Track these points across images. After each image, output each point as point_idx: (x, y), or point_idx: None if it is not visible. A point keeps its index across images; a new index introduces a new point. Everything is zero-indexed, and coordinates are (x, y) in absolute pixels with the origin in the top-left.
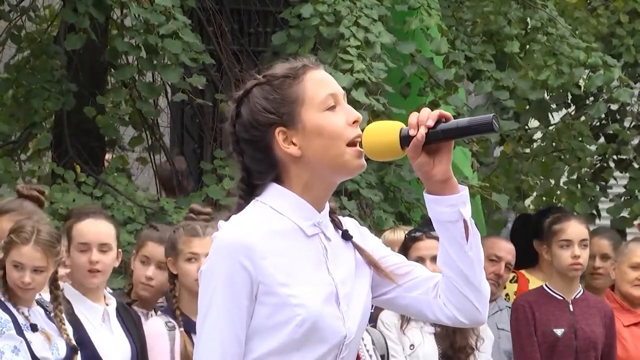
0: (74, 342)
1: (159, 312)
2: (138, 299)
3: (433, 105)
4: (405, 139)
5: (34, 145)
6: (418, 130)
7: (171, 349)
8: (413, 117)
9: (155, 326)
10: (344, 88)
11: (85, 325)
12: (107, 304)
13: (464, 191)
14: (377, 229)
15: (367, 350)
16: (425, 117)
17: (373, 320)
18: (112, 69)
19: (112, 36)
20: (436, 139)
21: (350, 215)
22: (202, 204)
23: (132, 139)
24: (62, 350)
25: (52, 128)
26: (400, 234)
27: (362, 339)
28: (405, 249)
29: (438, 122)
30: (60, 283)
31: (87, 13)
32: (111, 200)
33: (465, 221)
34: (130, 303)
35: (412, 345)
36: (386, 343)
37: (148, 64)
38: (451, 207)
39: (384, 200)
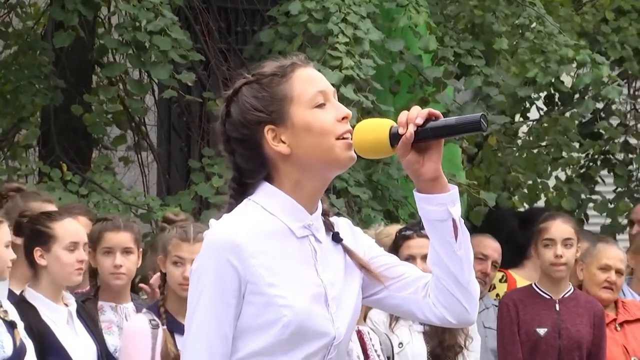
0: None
1: (144, 310)
2: (107, 291)
3: (422, 103)
4: (394, 137)
5: (22, 141)
6: (407, 128)
7: (153, 346)
8: (402, 115)
9: (138, 323)
10: (332, 84)
11: (53, 329)
12: (66, 305)
13: (454, 190)
14: (365, 227)
15: (375, 351)
16: (414, 116)
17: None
18: (100, 67)
19: (99, 34)
20: (425, 137)
21: (338, 214)
22: (175, 211)
23: (115, 138)
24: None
25: (39, 126)
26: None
27: (371, 339)
28: (396, 247)
29: (427, 120)
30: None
31: (76, 10)
32: (97, 198)
33: (454, 220)
34: (85, 300)
35: (400, 343)
36: (392, 345)
37: (137, 61)
38: (440, 206)
39: (372, 198)
